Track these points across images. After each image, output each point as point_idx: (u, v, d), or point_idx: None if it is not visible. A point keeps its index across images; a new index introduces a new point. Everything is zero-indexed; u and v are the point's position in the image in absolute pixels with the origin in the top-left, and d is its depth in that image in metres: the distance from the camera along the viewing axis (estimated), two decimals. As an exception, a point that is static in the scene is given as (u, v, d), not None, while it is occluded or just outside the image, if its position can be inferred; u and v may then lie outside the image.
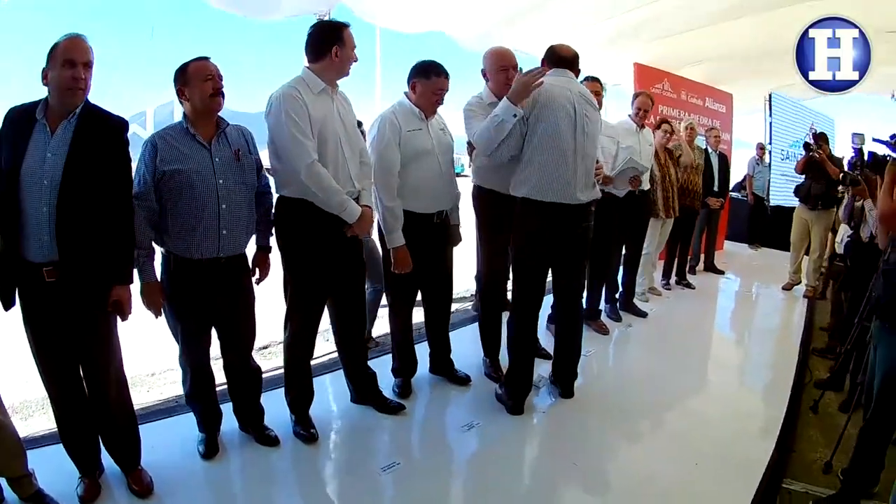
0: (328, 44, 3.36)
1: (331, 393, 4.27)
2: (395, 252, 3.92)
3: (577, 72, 4.17)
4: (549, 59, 4.14)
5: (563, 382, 4.42)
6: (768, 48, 8.97)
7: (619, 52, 8.13)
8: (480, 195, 4.39)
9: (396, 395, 4.21)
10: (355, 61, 3.48)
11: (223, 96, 3.16)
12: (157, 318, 3.22)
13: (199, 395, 3.47)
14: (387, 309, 4.45)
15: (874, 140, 3.78)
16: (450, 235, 4.32)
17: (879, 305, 3.32)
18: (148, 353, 4.67)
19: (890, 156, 3.49)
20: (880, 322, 3.33)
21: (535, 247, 4.04)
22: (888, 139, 3.57)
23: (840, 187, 7.19)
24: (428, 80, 3.93)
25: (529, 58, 5.38)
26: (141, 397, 4.58)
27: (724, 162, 8.93)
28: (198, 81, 3.10)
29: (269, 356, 5.41)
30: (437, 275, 4.28)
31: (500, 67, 4.16)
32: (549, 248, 4.05)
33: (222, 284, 3.26)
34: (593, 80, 5.41)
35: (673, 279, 8.03)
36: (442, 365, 4.57)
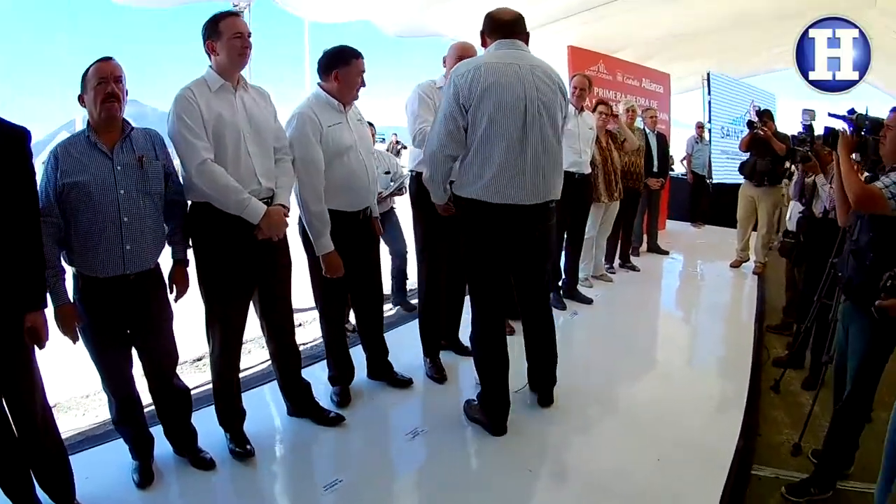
0: (205, 39, 3.23)
1: (267, 405, 4.05)
2: (325, 258, 3.72)
3: (525, 37, 3.64)
4: (489, 29, 3.65)
5: (542, 389, 4.11)
6: (703, 28, 9.07)
7: (552, 36, 8.03)
8: (421, 184, 4.11)
9: (335, 405, 4.02)
10: (246, 48, 3.24)
11: (118, 100, 2.90)
12: (73, 343, 2.97)
13: (126, 421, 3.25)
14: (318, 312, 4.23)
15: (830, 115, 3.72)
16: (375, 231, 4.15)
17: (851, 287, 3.28)
18: (79, 373, 4.40)
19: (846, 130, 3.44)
20: (852, 304, 3.30)
21: (488, 253, 3.65)
22: (846, 113, 3.51)
23: (788, 163, 7.19)
24: (349, 65, 3.73)
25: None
26: (76, 421, 4.37)
27: (663, 142, 8.92)
28: (90, 86, 2.87)
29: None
30: (366, 275, 4.11)
31: (461, 56, 4.04)
32: (505, 254, 3.66)
33: (134, 303, 3.03)
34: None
35: (616, 262, 7.96)
36: (380, 369, 4.39)
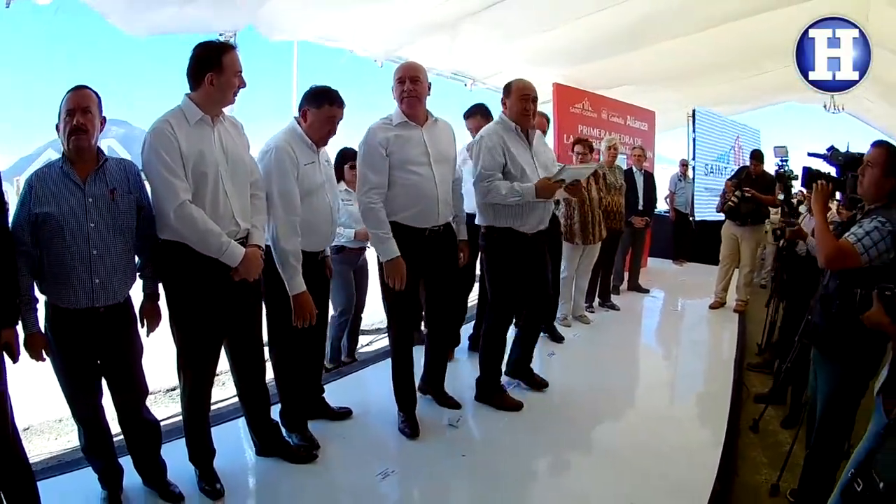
0: (203, 70, 3.08)
1: (240, 441, 3.97)
2: (298, 299, 3.59)
3: None
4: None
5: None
6: (689, 68, 9.28)
7: (538, 73, 8.12)
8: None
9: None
10: (242, 87, 3.20)
11: (86, 132, 2.89)
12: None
13: (95, 450, 3.22)
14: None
15: (809, 154, 3.71)
16: (327, 273, 4.11)
17: (817, 334, 3.30)
18: (52, 397, 4.40)
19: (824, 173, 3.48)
20: (817, 350, 3.33)
21: (512, 267, 4.46)
22: (825, 151, 3.50)
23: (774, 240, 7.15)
24: (319, 108, 3.67)
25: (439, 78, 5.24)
26: (48, 445, 4.43)
27: (650, 181, 8.91)
28: (62, 118, 2.88)
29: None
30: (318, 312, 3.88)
31: (398, 80, 3.96)
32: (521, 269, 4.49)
33: (104, 336, 3.01)
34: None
35: (596, 301, 7.88)
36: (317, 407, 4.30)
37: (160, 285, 3.28)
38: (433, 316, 4.44)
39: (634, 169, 8.62)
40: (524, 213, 4.38)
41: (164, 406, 5.14)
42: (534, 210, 4.41)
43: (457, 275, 4.42)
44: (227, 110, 3.31)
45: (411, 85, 3.93)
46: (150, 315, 3.26)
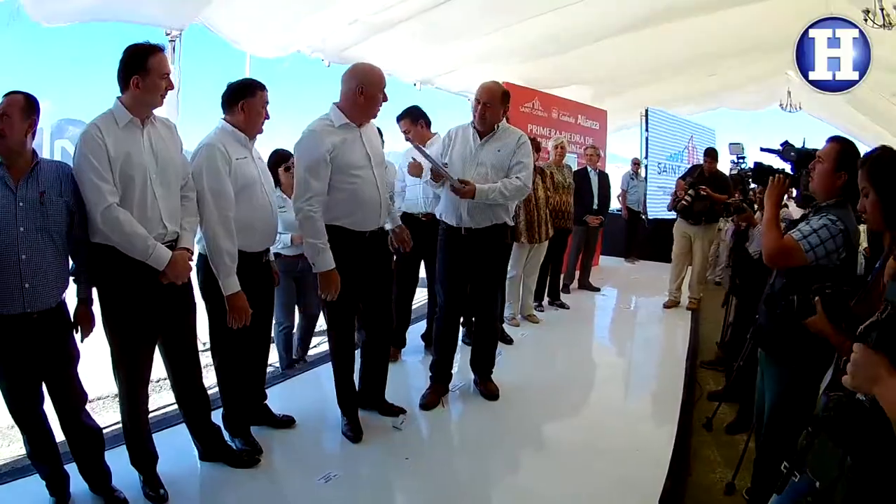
0: (129, 73, 3.09)
1: (185, 445, 3.84)
2: (232, 299, 3.54)
3: None
4: None
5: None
6: (644, 67, 9.19)
7: (488, 72, 8.13)
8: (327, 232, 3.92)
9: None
10: (170, 89, 3.22)
11: (5, 137, 2.85)
12: None
13: (39, 456, 3.21)
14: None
15: (762, 150, 3.68)
16: (273, 276, 4.09)
17: (762, 334, 3.26)
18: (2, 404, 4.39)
19: (778, 168, 3.41)
20: (763, 352, 3.29)
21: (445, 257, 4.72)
22: (778, 147, 3.47)
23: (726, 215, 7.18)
24: (254, 96, 3.69)
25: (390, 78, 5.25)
26: (1, 452, 4.42)
27: (605, 180, 8.92)
28: None
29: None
30: (260, 320, 3.89)
31: (381, 90, 3.96)
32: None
33: (39, 342, 2.98)
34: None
35: (545, 301, 7.91)
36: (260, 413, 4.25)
37: (93, 290, 3.25)
38: (371, 322, 4.37)
39: (589, 168, 8.68)
40: (446, 205, 4.65)
41: (113, 411, 5.03)
42: (452, 204, 4.58)
43: (391, 277, 4.46)
44: (167, 111, 3.30)
45: (385, 98, 4.01)
46: (84, 320, 3.22)
